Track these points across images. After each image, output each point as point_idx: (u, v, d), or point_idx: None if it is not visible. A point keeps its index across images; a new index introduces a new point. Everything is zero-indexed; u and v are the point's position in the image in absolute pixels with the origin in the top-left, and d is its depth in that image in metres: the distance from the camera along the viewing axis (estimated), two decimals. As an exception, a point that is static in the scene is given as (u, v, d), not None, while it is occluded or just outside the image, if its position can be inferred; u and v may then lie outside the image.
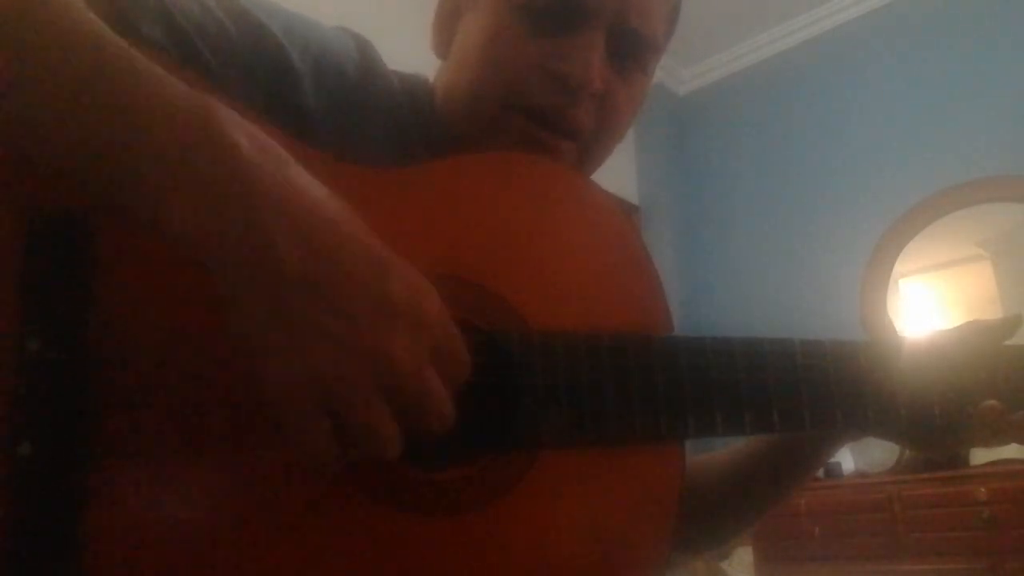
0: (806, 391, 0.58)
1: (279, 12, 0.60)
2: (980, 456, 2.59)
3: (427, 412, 0.42)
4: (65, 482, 0.41)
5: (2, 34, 0.39)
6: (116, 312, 0.45)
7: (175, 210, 0.39)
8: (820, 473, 2.78)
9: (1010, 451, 2.41)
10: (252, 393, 0.42)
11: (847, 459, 2.91)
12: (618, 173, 3.71)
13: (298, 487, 0.46)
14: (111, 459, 0.43)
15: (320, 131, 0.58)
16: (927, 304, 3.39)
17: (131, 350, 0.45)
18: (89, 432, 0.42)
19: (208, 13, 0.55)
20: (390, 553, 0.48)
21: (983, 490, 2.46)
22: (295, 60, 0.58)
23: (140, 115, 0.40)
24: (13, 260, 0.43)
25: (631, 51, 0.65)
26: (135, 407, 0.44)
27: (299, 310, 0.39)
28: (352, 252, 0.41)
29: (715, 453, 0.77)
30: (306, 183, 0.42)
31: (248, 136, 0.41)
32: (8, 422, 0.41)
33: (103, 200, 0.41)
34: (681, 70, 4.11)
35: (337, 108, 0.60)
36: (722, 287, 3.78)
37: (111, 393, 0.44)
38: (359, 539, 0.47)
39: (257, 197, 0.39)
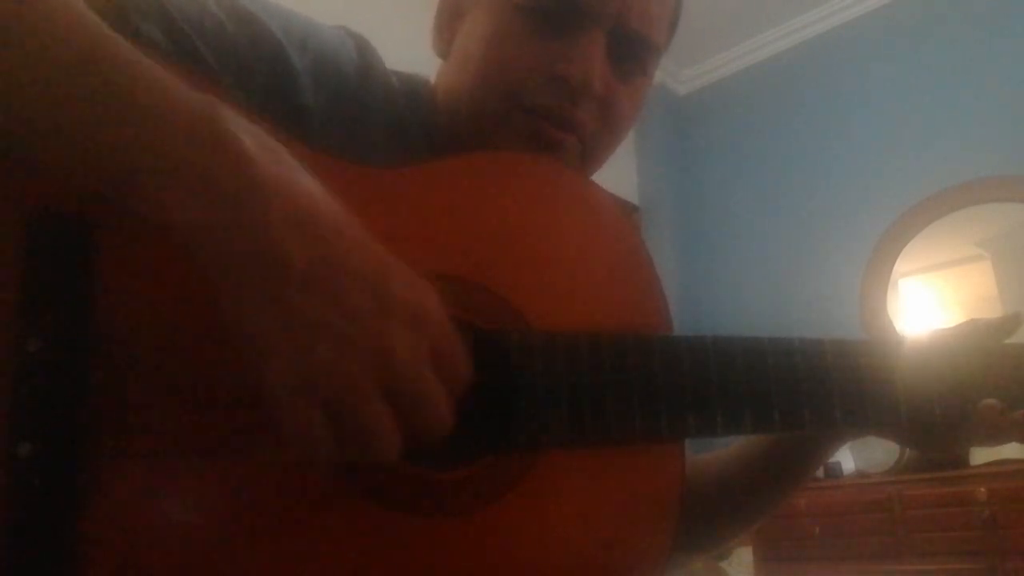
0: (806, 390, 0.59)
1: (278, 11, 0.60)
2: (980, 456, 2.59)
3: (426, 413, 0.42)
4: (65, 482, 0.41)
5: (3, 24, 0.39)
6: (116, 312, 0.45)
7: (180, 205, 0.39)
8: (820, 473, 2.78)
9: (1010, 451, 2.41)
10: (252, 392, 0.42)
11: (847, 459, 2.91)
12: (618, 173, 3.71)
13: (298, 487, 0.46)
14: (111, 459, 0.43)
15: (319, 131, 0.58)
16: (927, 304, 3.39)
17: (131, 350, 0.45)
18: (89, 432, 0.42)
19: (207, 12, 0.55)
20: (390, 553, 0.48)
21: (983, 490, 2.46)
22: (294, 59, 0.58)
23: (144, 111, 0.40)
24: (13, 260, 0.43)
25: (632, 53, 0.65)
26: (135, 407, 0.44)
27: (302, 307, 0.39)
28: (355, 252, 0.41)
29: (715, 453, 0.77)
30: (309, 183, 0.42)
31: (251, 134, 0.41)
32: (8, 422, 0.41)
33: (106, 194, 0.41)
34: (681, 70, 4.11)
35: (336, 108, 0.60)
36: (722, 287, 3.78)
37: (111, 393, 0.44)
38: (359, 539, 0.47)
39: (263, 195, 0.39)
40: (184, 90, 0.41)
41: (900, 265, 3.31)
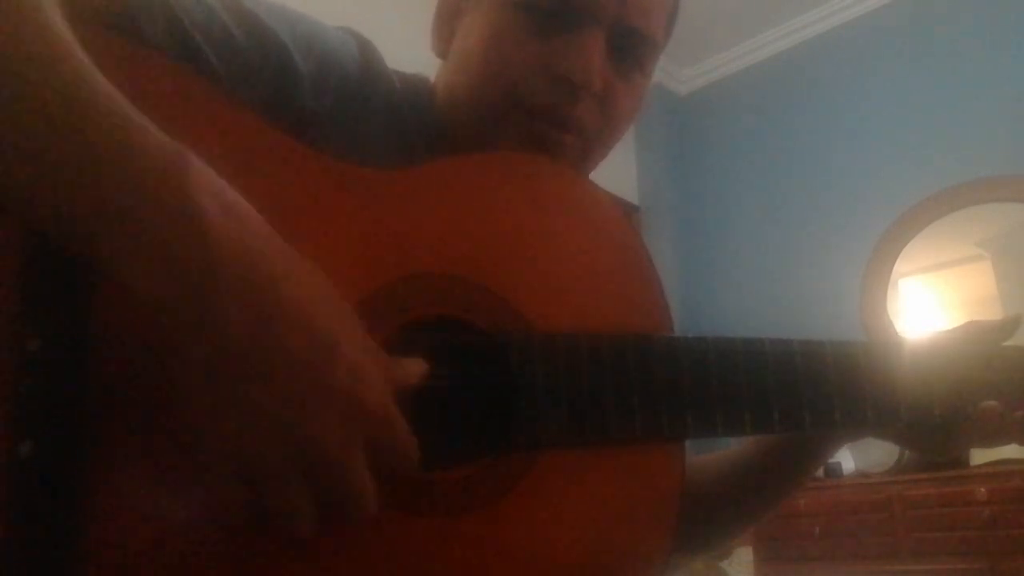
0: (806, 391, 0.59)
1: (282, 13, 0.60)
2: (980, 456, 2.59)
3: (347, 500, 0.43)
4: (66, 482, 0.41)
5: None
6: (116, 311, 0.45)
7: (134, 271, 0.39)
8: (820, 473, 2.78)
9: (1010, 451, 2.41)
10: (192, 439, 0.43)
11: (847, 459, 2.91)
12: (618, 173, 3.71)
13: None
14: (112, 459, 0.43)
15: (322, 131, 0.58)
16: (927, 304, 3.39)
17: (131, 349, 0.45)
18: (90, 432, 0.42)
19: (212, 14, 0.55)
20: (389, 553, 0.48)
21: (983, 490, 2.46)
22: (298, 61, 0.58)
23: (110, 165, 0.39)
24: (13, 260, 0.43)
25: (632, 50, 0.65)
26: (135, 406, 0.44)
27: (234, 383, 0.39)
28: (302, 331, 0.41)
29: (715, 453, 0.77)
30: (269, 250, 0.42)
31: (216, 197, 0.40)
32: (9, 422, 0.41)
33: (58, 237, 0.40)
34: (681, 70, 4.11)
35: (339, 109, 0.61)
36: (722, 287, 3.78)
37: (112, 393, 0.44)
38: (359, 539, 0.47)
39: (215, 265, 0.39)
40: (154, 145, 0.40)
41: (900, 265, 3.31)
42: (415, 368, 0.47)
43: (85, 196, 0.38)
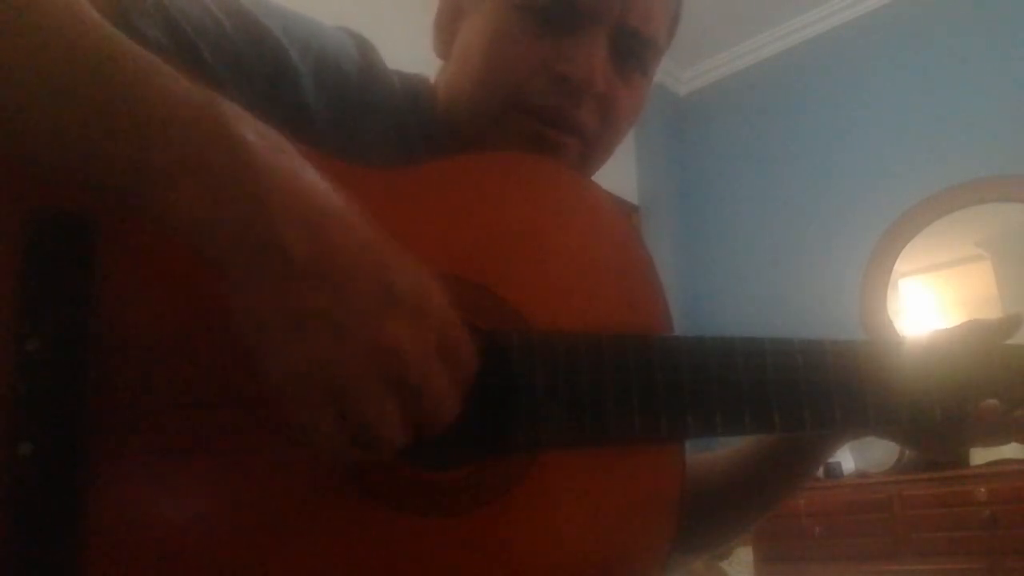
0: (806, 391, 0.58)
1: (279, 12, 0.60)
2: (980, 456, 2.59)
3: (431, 404, 0.42)
4: (65, 482, 0.41)
5: (6, 25, 0.39)
6: (116, 311, 0.45)
7: (182, 200, 0.39)
8: (820, 473, 2.78)
9: (1010, 451, 2.41)
10: (254, 391, 0.42)
11: (847, 459, 2.91)
12: (618, 173, 3.71)
13: (299, 487, 0.46)
14: (111, 458, 0.43)
15: (320, 131, 0.58)
16: (927, 304, 3.39)
17: (131, 349, 0.45)
18: (89, 432, 0.42)
19: (208, 13, 0.55)
20: (389, 553, 0.48)
21: (983, 490, 2.46)
22: (295, 60, 0.58)
23: (147, 107, 0.39)
24: (13, 260, 0.43)
25: (633, 52, 0.65)
26: (135, 406, 0.44)
27: (304, 300, 0.39)
28: (358, 245, 0.41)
29: (715, 453, 0.77)
30: (312, 177, 0.42)
31: (255, 130, 0.41)
32: (8, 422, 0.41)
33: (107, 193, 0.41)
34: (681, 70, 4.11)
35: (337, 108, 0.60)
36: (722, 287, 3.77)
37: (111, 392, 0.44)
38: (358, 539, 0.47)
39: (265, 188, 0.39)
40: (184, 84, 0.41)
41: (900, 265, 3.31)
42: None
43: (127, 142, 0.39)
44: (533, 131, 0.63)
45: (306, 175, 0.42)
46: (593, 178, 0.65)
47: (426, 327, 0.42)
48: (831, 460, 2.78)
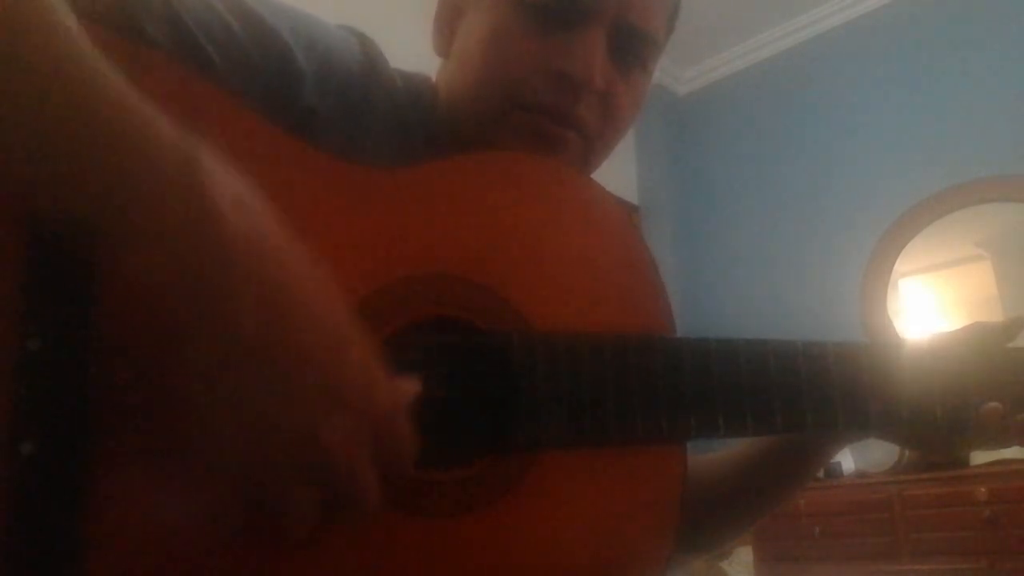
0: (808, 393, 0.58)
1: (284, 11, 0.60)
2: (980, 456, 2.59)
3: (351, 501, 0.42)
4: (66, 482, 0.41)
5: None
6: (117, 311, 0.44)
7: (142, 254, 0.38)
8: (820, 473, 2.77)
9: (1010, 451, 2.41)
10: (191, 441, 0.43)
11: (847, 459, 2.91)
12: (618, 173, 3.71)
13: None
14: (113, 458, 0.43)
15: (324, 130, 0.58)
16: (927, 304, 3.39)
17: (132, 349, 0.44)
18: (91, 431, 0.42)
19: (213, 12, 0.54)
20: (389, 553, 0.48)
21: (983, 490, 2.46)
22: (300, 59, 0.58)
23: (124, 154, 0.38)
24: (13, 260, 0.43)
25: (632, 48, 0.65)
26: (136, 407, 0.44)
27: (242, 382, 0.39)
28: (314, 330, 0.41)
29: (716, 453, 0.77)
30: (281, 247, 0.41)
31: (230, 191, 0.40)
32: (9, 422, 0.41)
33: (68, 232, 0.40)
34: (681, 70, 4.11)
35: (341, 107, 0.60)
36: (722, 287, 3.78)
37: (113, 392, 0.43)
38: (358, 539, 0.47)
39: (228, 259, 0.38)
40: (169, 136, 0.39)
41: (900, 265, 3.31)
42: (408, 386, 0.45)
43: (95, 188, 0.38)
44: (534, 127, 0.63)
45: (275, 244, 0.41)
46: (593, 178, 0.65)
47: (364, 422, 0.42)
48: (831, 460, 2.77)
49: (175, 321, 0.39)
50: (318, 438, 0.40)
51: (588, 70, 0.61)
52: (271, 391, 0.39)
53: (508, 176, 0.59)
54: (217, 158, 0.41)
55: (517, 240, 0.56)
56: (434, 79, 0.71)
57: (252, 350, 0.39)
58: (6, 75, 0.37)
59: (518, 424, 0.52)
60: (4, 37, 0.37)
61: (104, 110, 0.38)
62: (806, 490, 2.60)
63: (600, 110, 0.64)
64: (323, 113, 0.59)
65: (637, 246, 0.59)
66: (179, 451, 0.44)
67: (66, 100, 0.38)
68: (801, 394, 0.58)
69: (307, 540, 0.43)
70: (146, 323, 0.40)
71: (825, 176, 3.54)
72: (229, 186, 0.40)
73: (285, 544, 0.44)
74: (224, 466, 0.40)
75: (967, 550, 2.44)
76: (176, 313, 0.39)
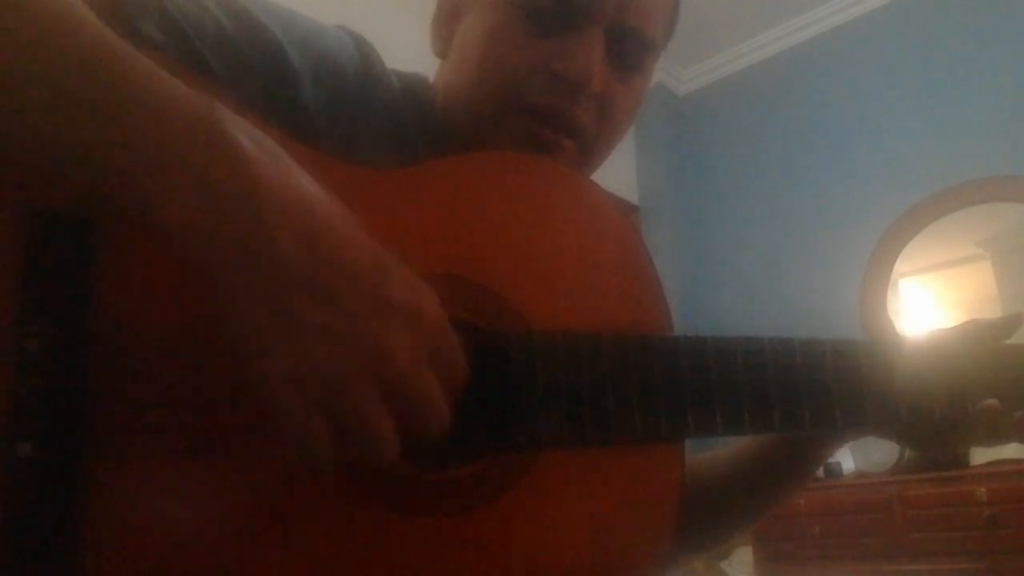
0: (806, 391, 0.58)
1: (279, 12, 0.60)
2: (980, 456, 2.59)
3: (424, 412, 0.42)
4: (65, 482, 0.41)
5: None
6: (115, 312, 0.45)
7: (174, 206, 0.39)
8: (820, 473, 2.78)
9: (1010, 451, 2.41)
10: (252, 392, 0.42)
11: (847, 459, 2.91)
12: (618, 173, 3.71)
13: (299, 487, 0.46)
14: (111, 459, 0.43)
15: (320, 131, 0.58)
16: (927, 304, 3.39)
17: (131, 349, 0.45)
18: (89, 432, 0.42)
19: (207, 13, 0.55)
20: (389, 553, 0.48)
21: (983, 490, 2.46)
22: (295, 60, 0.58)
23: (141, 110, 0.39)
24: (13, 259, 0.43)
25: (630, 51, 0.65)
26: (135, 407, 0.44)
27: (299, 307, 0.39)
28: (352, 252, 0.41)
29: (715, 452, 0.77)
30: (307, 184, 0.42)
31: (249, 135, 0.41)
32: (8, 422, 0.41)
33: (95, 198, 0.40)
34: (681, 70, 4.11)
35: (337, 108, 0.60)
36: (722, 287, 3.78)
37: (111, 393, 0.44)
38: (358, 539, 0.47)
39: (259, 195, 0.39)
40: (183, 89, 0.41)
41: (900, 265, 3.31)
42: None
43: (120, 134, 0.39)
44: (530, 131, 0.63)
45: (302, 183, 0.42)
46: (593, 178, 0.65)
47: (419, 335, 0.42)
48: (831, 460, 2.78)
49: (218, 260, 0.39)
50: (383, 348, 0.40)
51: (585, 73, 0.61)
52: (331, 310, 0.40)
53: (507, 176, 0.59)
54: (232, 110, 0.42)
55: (516, 240, 0.56)
56: (432, 80, 0.71)
57: (303, 274, 0.39)
58: (17, 37, 0.38)
59: (517, 424, 0.52)
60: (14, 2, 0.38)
61: (118, 66, 0.40)
62: (806, 490, 2.60)
63: (597, 113, 0.64)
64: (319, 113, 0.59)
65: (635, 246, 0.59)
66: (175, 450, 0.44)
67: (80, 57, 0.39)
68: (799, 392, 0.58)
69: (306, 539, 0.43)
70: (199, 274, 0.40)
71: (825, 176, 3.54)
72: (249, 131, 0.41)
73: (285, 542, 0.44)
74: (299, 389, 0.39)
75: (967, 550, 2.43)
76: (218, 252, 0.39)
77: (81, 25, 0.40)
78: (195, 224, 0.39)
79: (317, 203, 0.42)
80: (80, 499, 0.42)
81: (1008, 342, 0.66)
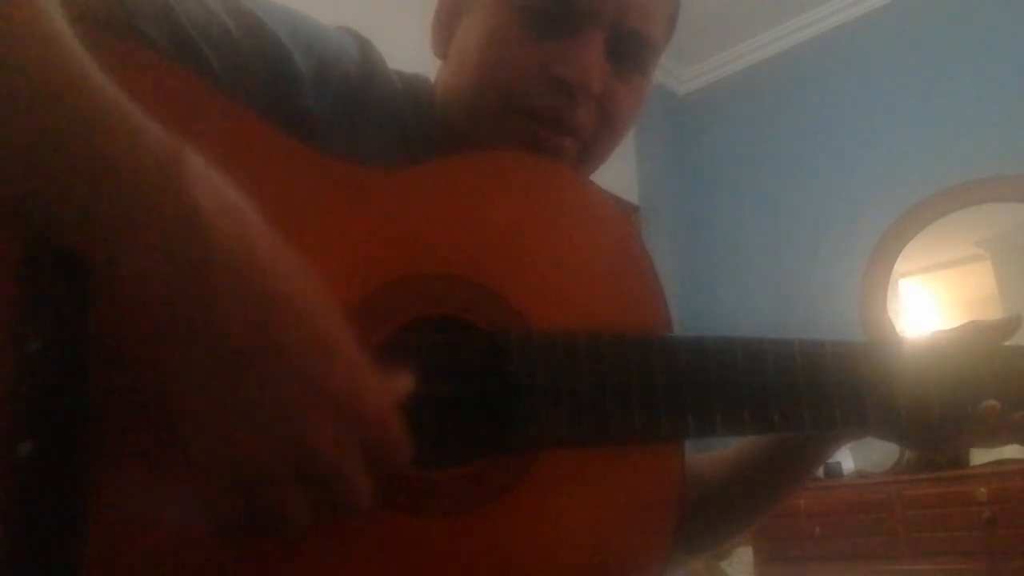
0: (806, 391, 0.58)
1: (282, 13, 0.60)
2: (980, 456, 2.59)
3: (344, 499, 0.42)
4: (66, 481, 0.41)
5: None
6: (116, 311, 0.45)
7: (127, 254, 0.38)
8: (820, 473, 2.78)
9: (1010, 451, 2.41)
10: None
11: (847, 459, 2.91)
12: (618, 173, 3.71)
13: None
14: (112, 458, 0.43)
15: (322, 132, 0.58)
16: (927, 304, 3.39)
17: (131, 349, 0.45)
18: (90, 431, 0.42)
19: (211, 14, 0.55)
20: (389, 553, 0.48)
21: (983, 490, 2.46)
22: (298, 61, 0.58)
23: (109, 157, 0.38)
24: (13, 260, 0.43)
25: (631, 52, 0.65)
26: (135, 406, 0.44)
27: (229, 384, 0.39)
28: (301, 333, 0.41)
29: (714, 452, 0.77)
30: (266, 245, 0.41)
31: (214, 195, 0.40)
32: (8, 421, 0.41)
33: (55, 236, 0.40)
34: (681, 70, 4.11)
35: (339, 109, 0.61)
36: (722, 287, 3.78)
37: (112, 392, 0.44)
38: (358, 539, 0.47)
39: (213, 263, 0.39)
40: (155, 139, 0.39)
41: (900, 265, 3.31)
42: (400, 385, 0.45)
43: (82, 191, 0.38)
44: (530, 133, 0.63)
45: (261, 246, 0.41)
46: (593, 178, 0.65)
47: (353, 429, 0.42)
48: (831, 460, 2.78)
49: (164, 323, 0.39)
50: (304, 440, 0.40)
51: (586, 74, 0.61)
52: (258, 394, 0.39)
53: (507, 176, 0.59)
54: (204, 162, 0.41)
55: (516, 240, 0.56)
56: (433, 80, 0.71)
57: (239, 352, 0.39)
58: None
59: (517, 424, 0.52)
60: None
61: (88, 112, 0.38)
62: (806, 490, 2.61)
63: (598, 114, 0.64)
64: (321, 114, 0.59)
65: (634, 245, 0.59)
66: (174, 450, 0.44)
67: (50, 101, 0.38)
68: (799, 393, 0.58)
69: (304, 539, 0.43)
70: (137, 325, 0.40)
71: (825, 176, 3.54)
72: (214, 189, 0.40)
73: (281, 541, 0.44)
74: (216, 465, 0.40)
75: (967, 550, 2.44)
76: (165, 314, 0.39)
77: (60, 58, 0.38)
78: (148, 287, 0.38)
79: (276, 272, 0.41)
80: (81, 498, 0.42)
81: (1008, 343, 0.66)
